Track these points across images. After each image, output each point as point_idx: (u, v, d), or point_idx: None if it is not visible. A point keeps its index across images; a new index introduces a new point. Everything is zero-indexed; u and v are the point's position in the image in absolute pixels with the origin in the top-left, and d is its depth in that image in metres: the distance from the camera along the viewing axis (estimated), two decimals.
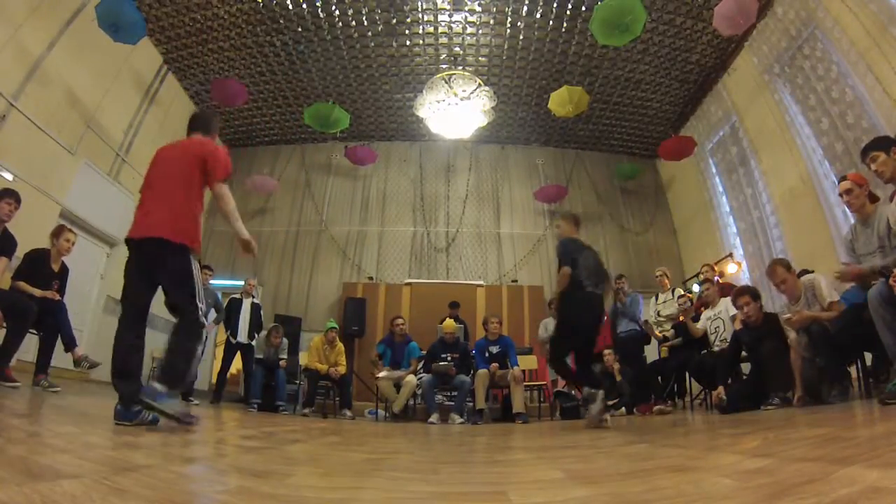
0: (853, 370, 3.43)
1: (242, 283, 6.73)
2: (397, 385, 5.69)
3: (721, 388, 3.94)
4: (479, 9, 7.02)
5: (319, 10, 6.95)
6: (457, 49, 7.67)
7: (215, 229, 8.57)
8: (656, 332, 5.45)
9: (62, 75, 5.75)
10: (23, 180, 5.10)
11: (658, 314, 5.75)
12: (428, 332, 6.58)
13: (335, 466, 1.56)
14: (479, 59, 7.85)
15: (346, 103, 8.55)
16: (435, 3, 6.95)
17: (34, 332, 3.95)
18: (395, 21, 7.19)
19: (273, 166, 9.71)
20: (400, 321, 6.12)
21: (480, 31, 7.38)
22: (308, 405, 5.96)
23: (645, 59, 7.70)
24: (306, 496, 1.02)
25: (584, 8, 6.77)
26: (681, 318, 5.34)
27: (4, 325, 3.62)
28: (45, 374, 3.85)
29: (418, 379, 5.72)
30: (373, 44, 7.58)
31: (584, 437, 2.67)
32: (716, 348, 4.60)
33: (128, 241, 2.44)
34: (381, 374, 5.77)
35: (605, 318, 6.21)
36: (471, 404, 5.47)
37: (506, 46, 7.59)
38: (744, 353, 4.07)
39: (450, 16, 7.13)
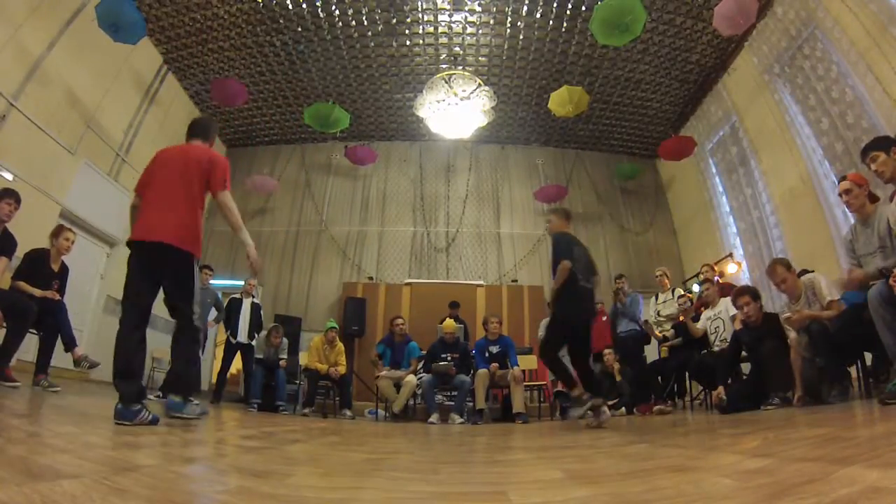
0: (853, 370, 3.43)
1: (242, 283, 6.73)
2: (397, 385, 5.69)
3: (721, 388, 3.94)
4: (479, 9, 7.02)
5: (319, 10, 6.95)
6: (457, 49, 7.67)
7: (215, 229, 8.56)
8: (656, 332, 5.45)
9: (62, 75, 5.75)
10: (23, 180, 5.11)
11: (658, 314, 5.75)
12: (428, 332, 6.58)
13: (335, 466, 1.56)
14: (479, 59, 7.85)
15: (346, 103, 8.56)
16: (435, 3, 6.95)
17: (34, 332, 3.95)
18: (395, 21, 7.19)
19: (273, 166, 9.71)
20: (400, 321, 6.12)
21: (480, 31, 7.38)
22: (308, 405, 5.96)
23: (645, 59, 7.70)
24: (306, 496, 1.02)
25: (584, 8, 6.77)
26: (681, 318, 5.34)
27: (4, 325, 3.62)
28: (45, 374, 3.85)
29: (418, 379, 5.72)
30: (373, 44, 7.58)
31: (584, 437, 2.67)
32: (716, 348, 4.60)
33: (132, 244, 2.47)
34: (382, 374, 5.78)
35: (606, 318, 6.24)
36: (471, 404, 5.47)
37: (506, 46, 7.59)
38: (744, 353, 4.07)
39: (450, 16, 7.13)
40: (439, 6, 6.99)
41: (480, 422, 5.25)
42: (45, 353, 3.92)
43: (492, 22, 7.21)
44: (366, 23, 7.22)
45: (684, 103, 8.66)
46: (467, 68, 7.74)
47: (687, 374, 5.16)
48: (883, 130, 4.54)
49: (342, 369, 6.04)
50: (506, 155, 10.10)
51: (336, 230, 9.47)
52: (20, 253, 3.94)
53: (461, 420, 5.20)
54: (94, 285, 6.77)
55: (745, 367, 4.25)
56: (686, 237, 9.41)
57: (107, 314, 6.67)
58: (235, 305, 6.28)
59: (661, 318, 5.68)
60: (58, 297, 4.03)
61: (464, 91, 7.17)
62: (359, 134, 9.64)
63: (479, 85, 7.20)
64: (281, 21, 7.11)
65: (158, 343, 5.81)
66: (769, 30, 6.50)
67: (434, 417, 5.20)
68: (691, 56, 7.59)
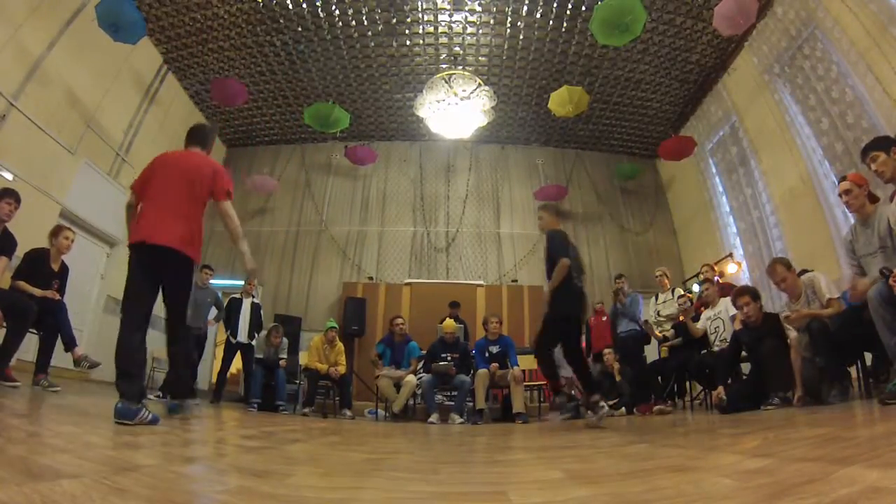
0: (853, 370, 3.43)
1: (242, 282, 6.73)
2: (397, 385, 5.69)
3: (721, 388, 3.94)
4: (479, 9, 7.02)
5: (319, 10, 6.95)
6: (457, 49, 7.67)
7: (215, 229, 8.56)
8: (656, 332, 5.45)
9: (62, 75, 5.75)
10: (23, 180, 5.11)
11: (658, 314, 5.75)
12: (428, 332, 6.58)
13: (335, 466, 1.56)
14: (479, 59, 7.85)
15: (346, 103, 8.55)
16: (435, 3, 6.95)
17: (34, 331, 3.95)
18: (395, 21, 7.19)
19: (273, 166, 9.71)
20: (399, 321, 6.12)
21: (480, 31, 7.38)
22: (308, 405, 5.96)
23: (645, 59, 7.70)
24: (306, 496, 1.02)
25: (584, 8, 6.77)
26: (681, 318, 5.33)
27: (4, 325, 3.62)
28: (45, 374, 3.85)
29: (418, 379, 5.72)
30: (373, 44, 7.58)
31: (584, 437, 2.67)
32: (716, 348, 4.60)
33: (135, 246, 2.50)
34: (381, 372, 5.78)
35: (606, 318, 6.24)
36: (471, 404, 5.47)
37: (506, 46, 7.59)
38: (744, 353, 4.07)
39: (450, 16, 7.13)
40: (439, 6, 6.99)
41: (480, 422, 5.25)
42: (45, 352, 3.92)
43: (492, 22, 7.21)
44: (366, 23, 7.22)
45: (684, 103, 8.66)
46: (467, 68, 7.74)
47: (687, 374, 5.16)
48: (883, 130, 4.54)
49: (342, 369, 6.04)
50: (506, 155, 10.10)
51: (336, 230, 9.47)
52: (20, 252, 3.93)
53: (461, 420, 5.20)
54: (94, 285, 6.77)
55: (745, 367, 4.25)
56: (686, 237, 9.42)
57: (107, 314, 6.67)
58: (235, 305, 6.28)
59: (661, 318, 5.68)
60: (58, 296, 4.02)
61: (464, 91, 7.17)
62: (359, 134, 9.64)
63: (479, 85, 7.19)
64: (281, 21, 7.11)
65: (159, 343, 5.80)
66: (769, 30, 6.50)
67: (434, 417, 5.20)
68: (691, 56, 7.59)
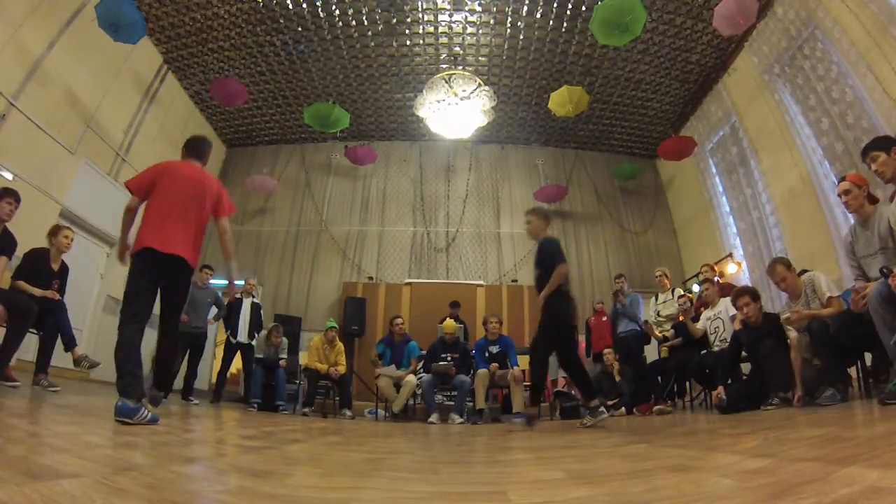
0: (853, 370, 3.43)
1: (242, 282, 6.73)
2: (397, 385, 5.69)
3: (721, 388, 3.94)
4: (479, 9, 7.02)
5: (319, 10, 6.95)
6: (457, 49, 7.67)
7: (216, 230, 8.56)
8: (656, 332, 5.45)
9: (62, 75, 5.75)
10: (23, 180, 5.11)
11: (658, 314, 5.75)
12: (428, 332, 6.58)
13: (335, 466, 1.56)
14: (479, 59, 7.85)
15: (346, 103, 8.56)
16: (435, 3, 6.95)
17: (34, 331, 3.95)
18: (395, 21, 7.19)
19: (273, 166, 9.71)
20: (399, 321, 6.12)
21: (480, 31, 7.38)
22: (308, 405, 5.96)
23: (645, 59, 7.70)
24: (306, 496, 1.02)
25: (584, 8, 6.77)
26: (681, 319, 5.33)
27: (4, 324, 3.62)
28: (45, 374, 3.85)
29: (418, 379, 5.72)
30: (373, 44, 7.58)
31: (584, 437, 2.67)
32: (716, 348, 4.60)
33: (147, 251, 2.55)
34: (381, 371, 5.78)
35: (606, 318, 6.24)
36: (471, 404, 5.47)
37: (506, 46, 7.59)
38: (744, 353, 4.07)
39: (450, 16, 7.13)
40: (439, 6, 6.99)
41: (480, 422, 5.25)
42: (45, 352, 3.92)
43: (492, 22, 7.21)
44: (366, 23, 7.22)
45: (684, 103, 8.66)
46: (467, 68, 7.74)
47: (687, 374, 5.15)
48: (883, 130, 4.54)
49: (342, 369, 6.04)
50: (506, 155, 10.10)
51: (336, 230, 9.47)
52: (20, 252, 3.94)
53: (461, 420, 5.20)
54: (93, 285, 6.77)
55: (745, 367, 4.25)
56: (686, 237, 9.42)
57: (107, 314, 6.67)
58: (235, 305, 6.27)
59: (661, 319, 5.68)
60: (58, 296, 4.02)
61: (464, 91, 7.17)
62: (359, 134, 9.64)
63: (479, 85, 7.19)
64: (281, 21, 7.11)
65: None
66: (769, 30, 6.50)
67: (434, 417, 5.20)
68: (691, 56, 7.59)
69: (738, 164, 7.59)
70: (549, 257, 3.68)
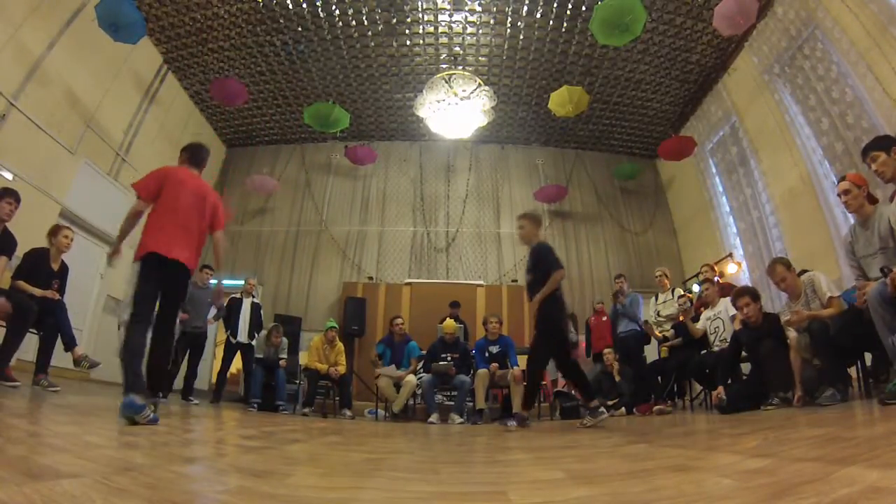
0: (853, 370, 3.43)
1: (242, 282, 6.73)
2: (397, 385, 5.69)
3: (721, 388, 3.94)
4: (479, 9, 7.02)
5: (319, 10, 6.95)
6: (457, 49, 7.67)
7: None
8: (656, 332, 5.45)
9: (62, 75, 5.75)
10: (23, 180, 5.11)
11: (658, 314, 5.75)
12: (428, 332, 6.58)
13: (335, 466, 1.56)
14: (479, 59, 7.85)
15: (346, 103, 8.55)
16: (435, 3, 6.95)
17: (34, 331, 3.95)
18: (395, 21, 7.19)
19: (273, 166, 9.71)
20: (399, 321, 6.12)
21: (480, 31, 7.38)
22: (308, 405, 5.96)
23: (645, 59, 7.70)
24: (306, 496, 1.02)
25: (584, 8, 6.77)
26: (681, 318, 5.33)
27: (4, 324, 3.62)
28: (45, 374, 3.85)
29: (418, 379, 5.72)
30: (373, 44, 7.58)
31: (584, 437, 2.67)
32: (716, 348, 4.60)
33: (153, 256, 2.65)
34: (381, 371, 5.78)
35: (606, 318, 6.24)
36: (471, 404, 5.47)
37: (506, 46, 7.59)
38: (744, 354, 4.07)
39: (450, 16, 7.13)
40: (439, 6, 6.99)
41: (480, 422, 5.25)
42: (45, 352, 3.92)
43: (492, 22, 7.21)
44: (366, 23, 7.22)
45: (684, 103, 8.66)
46: (467, 68, 7.74)
47: (687, 374, 5.15)
48: (883, 130, 4.54)
49: (342, 369, 6.04)
50: (506, 155, 10.10)
51: (336, 230, 9.47)
52: (20, 252, 3.94)
53: (461, 420, 5.20)
54: (93, 285, 6.77)
55: (745, 367, 4.25)
56: (686, 237, 9.42)
57: (107, 314, 6.67)
58: (235, 305, 6.28)
59: (661, 319, 5.68)
60: (57, 296, 4.02)
61: (464, 91, 7.17)
62: (359, 134, 9.64)
63: (479, 85, 7.19)
64: (281, 21, 7.11)
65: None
66: (769, 30, 6.50)
67: (434, 417, 5.20)
68: (691, 56, 7.59)
69: (738, 164, 7.60)
70: (544, 262, 3.70)
